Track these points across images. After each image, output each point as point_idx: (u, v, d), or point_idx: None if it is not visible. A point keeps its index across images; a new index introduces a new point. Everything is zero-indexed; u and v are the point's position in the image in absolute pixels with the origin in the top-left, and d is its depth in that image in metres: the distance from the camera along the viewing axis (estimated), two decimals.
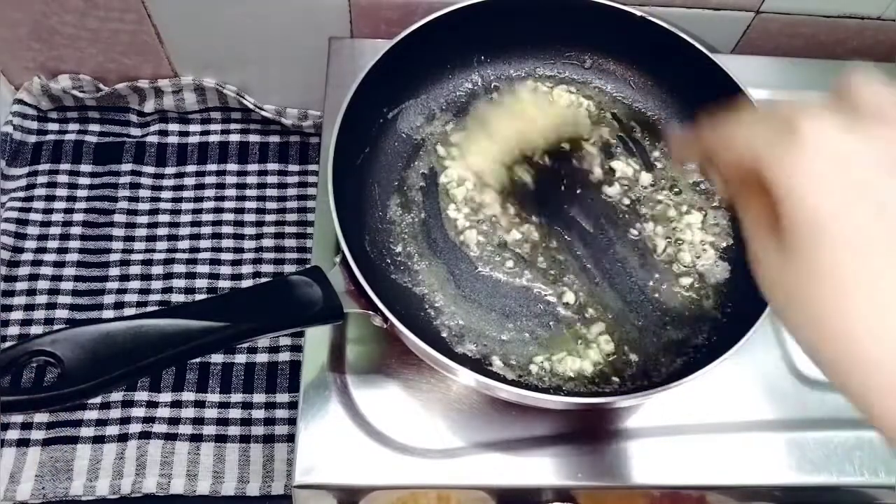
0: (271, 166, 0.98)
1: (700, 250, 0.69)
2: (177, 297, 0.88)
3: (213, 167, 0.97)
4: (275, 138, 0.99)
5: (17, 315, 0.85)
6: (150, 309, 0.87)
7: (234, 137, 0.99)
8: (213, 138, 0.98)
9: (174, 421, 0.81)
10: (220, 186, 0.96)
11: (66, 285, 0.87)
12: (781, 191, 0.33)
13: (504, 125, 0.74)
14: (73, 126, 0.97)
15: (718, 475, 0.62)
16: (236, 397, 0.83)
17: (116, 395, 0.82)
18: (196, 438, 0.80)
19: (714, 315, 0.65)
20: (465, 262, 0.67)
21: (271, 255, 0.92)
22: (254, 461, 0.80)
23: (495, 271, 0.67)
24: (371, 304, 0.56)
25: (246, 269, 0.91)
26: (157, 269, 0.90)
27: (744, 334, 0.57)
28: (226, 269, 0.91)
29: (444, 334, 0.63)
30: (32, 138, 0.95)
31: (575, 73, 0.77)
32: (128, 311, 0.87)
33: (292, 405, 0.82)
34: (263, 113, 0.97)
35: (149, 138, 0.97)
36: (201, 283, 0.89)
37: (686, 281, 0.67)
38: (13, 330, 0.85)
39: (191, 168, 0.96)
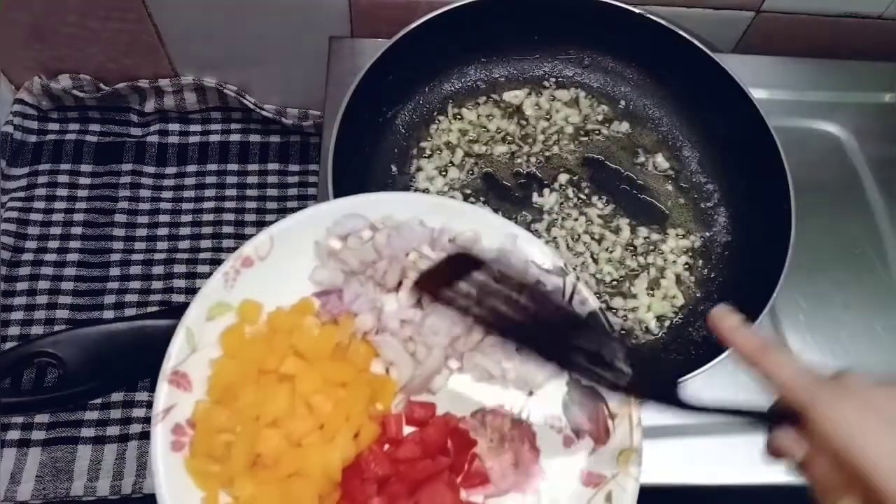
0: (272, 166, 0.98)
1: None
2: (177, 298, 0.88)
3: (213, 167, 0.97)
4: (275, 138, 0.99)
5: (17, 315, 0.85)
6: (150, 309, 0.87)
7: (235, 137, 0.99)
8: (214, 138, 0.98)
9: None
10: (221, 186, 0.96)
11: (67, 285, 0.88)
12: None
13: (501, 129, 0.74)
14: (73, 126, 0.97)
15: (719, 475, 0.62)
16: None
17: (117, 396, 0.82)
18: None
19: None
20: None
21: None
22: None
23: None
24: None
25: None
26: (158, 269, 0.90)
27: None
28: None
29: None
30: (33, 138, 0.95)
31: (574, 71, 0.77)
32: (128, 311, 0.87)
33: None
34: (264, 113, 0.97)
35: (149, 138, 0.97)
36: (202, 283, 0.89)
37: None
38: (14, 330, 0.85)
39: (191, 168, 0.96)
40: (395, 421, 0.44)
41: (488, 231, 0.49)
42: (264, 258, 0.46)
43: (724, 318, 0.41)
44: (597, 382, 0.42)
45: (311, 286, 0.47)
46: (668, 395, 0.42)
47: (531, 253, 0.48)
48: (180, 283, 0.89)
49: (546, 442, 0.45)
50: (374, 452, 0.43)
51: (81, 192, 0.93)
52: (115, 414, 0.81)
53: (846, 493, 0.36)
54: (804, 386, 0.37)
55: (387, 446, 0.43)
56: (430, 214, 0.49)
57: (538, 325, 0.41)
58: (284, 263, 0.46)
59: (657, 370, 0.44)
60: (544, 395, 0.46)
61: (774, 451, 0.40)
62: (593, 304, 0.47)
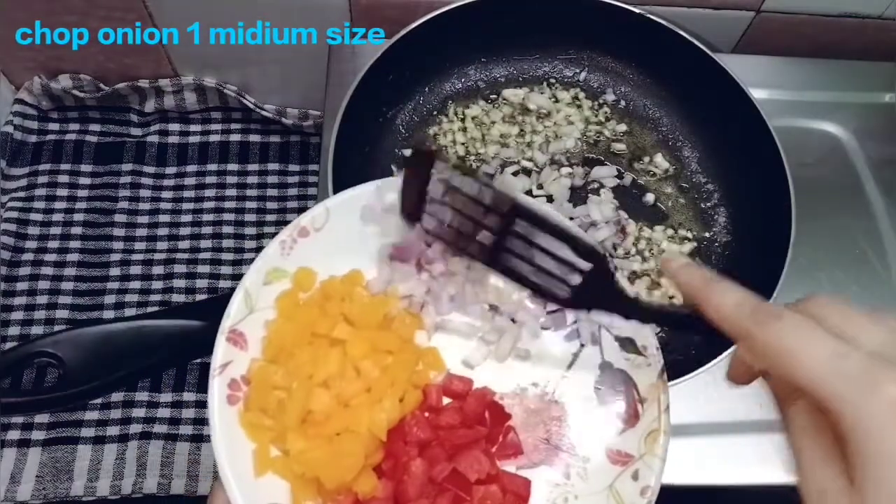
0: (272, 166, 0.98)
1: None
2: (177, 298, 0.88)
3: (213, 167, 0.97)
4: (275, 138, 0.99)
5: (17, 315, 0.85)
6: (150, 309, 0.88)
7: (235, 137, 0.99)
8: (214, 138, 0.98)
9: (175, 421, 0.81)
10: (221, 186, 0.96)
11: (67, 285, 0.88)
12: (858, 431, 0.30)
13: (500, 129, 0.74)
14: (73, 126, 0.97)
15: (719, 475, 0.62)
16: None
17: (117, 396, 0.82)
18: (196, 439, 0.81)
19: None
20: None
21: None
22: None
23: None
24: None
25: (247, 268, 0.91)
26: (158, 269, 0.90)
27: None
28: (226, 269, 0.91)
29: None
30: (33, 138, 0.95)
31: (574, 71, 0.77)
32: (128, 312, 0.87)
33: None
34: (264, 113, 0.97)
35: (149, 138, 0.97)
36: (202, 283, 0.89)
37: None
38: (14, 330, 0.85)
39: (191, 168, 0.96)
40: (435, 391, 0.47)
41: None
42: (319, 229, 0.48)
43: (672, 259, 0.41)
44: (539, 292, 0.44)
45: (362, 259, 0.49)
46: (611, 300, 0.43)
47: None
48: (180, 283, 0.89)
49: (577, 421, 0.48)
50: (416, 417, 0.45)
51: (81, 192, 0.93)
52: (115, 414, 0.81)
53: (798, 399, 0.34)
54: (745, 314, 0.34)
55: (427, 414, 0.46)
56: None
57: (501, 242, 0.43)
58: (338, 235, 0.48)
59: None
60: (577, 377, 0.49)
61: (737, 368, 0.40)
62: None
